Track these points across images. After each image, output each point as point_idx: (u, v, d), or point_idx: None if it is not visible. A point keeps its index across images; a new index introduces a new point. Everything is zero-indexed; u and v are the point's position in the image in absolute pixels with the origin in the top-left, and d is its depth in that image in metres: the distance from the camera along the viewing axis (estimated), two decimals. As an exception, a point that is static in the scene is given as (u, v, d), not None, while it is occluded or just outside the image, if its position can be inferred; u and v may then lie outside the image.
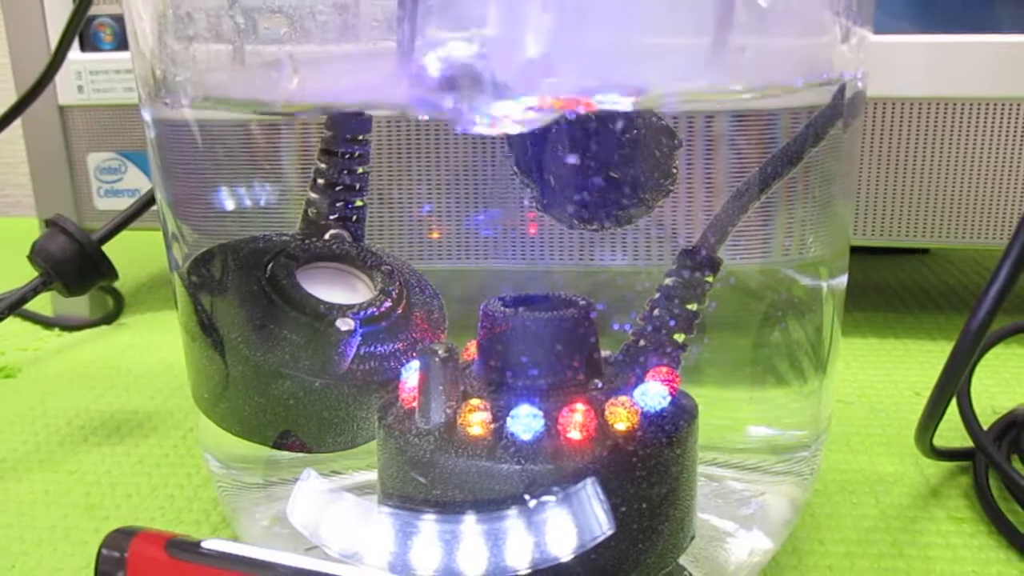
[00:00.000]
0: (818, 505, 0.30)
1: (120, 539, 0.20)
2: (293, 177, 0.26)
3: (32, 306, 0.49)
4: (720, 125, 0.25)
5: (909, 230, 0.46)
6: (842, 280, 0.26)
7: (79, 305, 0.50)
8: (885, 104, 0.43)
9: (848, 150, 0.25)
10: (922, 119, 0.44)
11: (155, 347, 0.46)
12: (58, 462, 0.34)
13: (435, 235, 0.32)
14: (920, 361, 0.43)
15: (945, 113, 0.43)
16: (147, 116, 0.22)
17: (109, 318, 0.50)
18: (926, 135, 0.44)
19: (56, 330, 0.49)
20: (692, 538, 0.24)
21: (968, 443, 0.31)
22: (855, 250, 0.55)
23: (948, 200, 0.45)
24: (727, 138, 0.26)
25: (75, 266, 0.32)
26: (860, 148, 0.44)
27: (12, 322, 0.50)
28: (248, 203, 0.25)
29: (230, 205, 0.24)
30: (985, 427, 0.33)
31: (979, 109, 0.43)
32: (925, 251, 0.61)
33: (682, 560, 0.24)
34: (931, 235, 0.46)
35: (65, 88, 0.47)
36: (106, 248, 0.34)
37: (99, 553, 0.19)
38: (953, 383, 0.22)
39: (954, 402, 0.32)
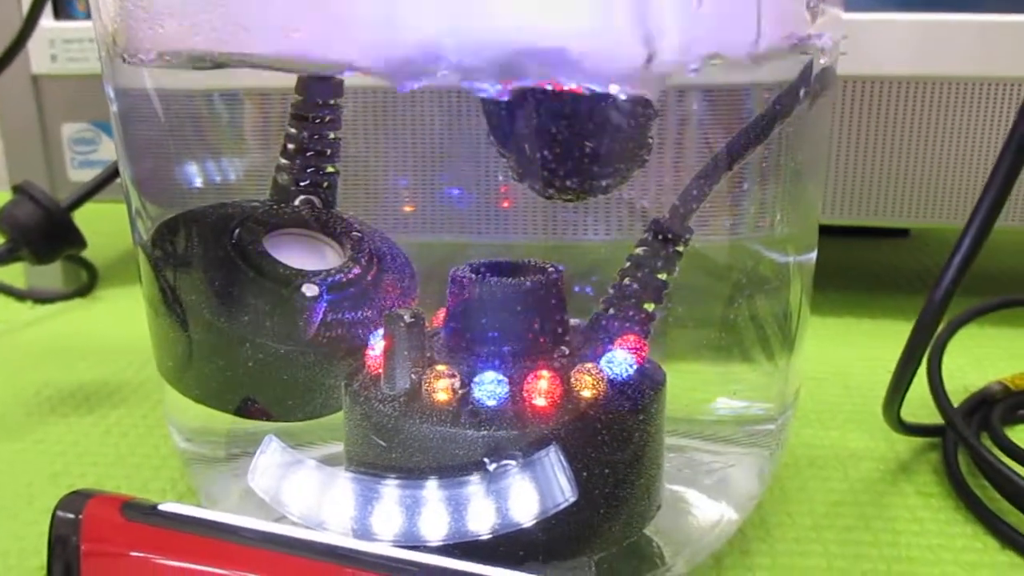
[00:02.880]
0: (787, 479, 0.30)
1: (76, 501, 0.19)
2: (256, 151, 0.25)
3: (5, 279, 0.49)
4: (690, 98, 0.25)
5: (889, 210, 0.46)
6: (811, 256, 0.26)
7: (52, 277, 0.49)
8: (866, 83, 0.43)
9: (816, 127, 0.25)
10: (904, 98, 0.44)
11: (128, 319, 0.46)
12: (24, 432, 0.33)
13: (409, 208, 0.31)
14: (896, 341, 0.42)
15: (927, 92, 0.43)
16: (109, 90, 0.22)
17: (83, 290, 0.49)
18: (907, 114, 0.44)
19: (29, 302, 0.49)
20: (658, 508, 0.24)
21: (940, 420, 0.31)
22: (834, 230, 0.56)
23: (929, 180, 0.45)
24: (697, 111, 0.25)
25: (42, 233, 0.32)
26: (831, 125, 0.44)
27: (-16, 294, 0.49)
28: (209, 178, 0.24)
29: (192, 180, 0.24)
30: (957, 404, 0.33)
31: (961, 88, 0.43)
32: (905, 232, 0.61)
33: (648, 531, 0.25)
34: (911, 215, 0.46)
35: (38, 57, 0.46)
36: (81, 222, 0.33)
37: (54, 515, 0.19)
38: (917, 354, 0.22)
39: (926, 379, 0.32)
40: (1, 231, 0.33)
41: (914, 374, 0.24)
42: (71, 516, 0.19)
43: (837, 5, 0.24)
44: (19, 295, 0.49)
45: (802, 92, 0.24)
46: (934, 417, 0.31)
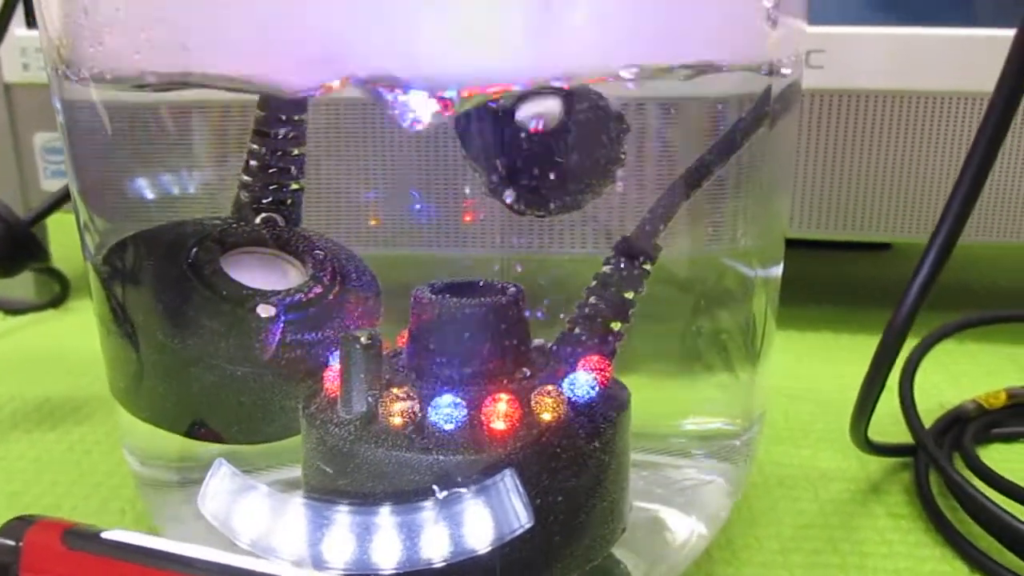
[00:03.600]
0: (756, 499, 0.30)
1: (17, 527, 0.19)
2: (206, 166, 0.25)
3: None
4: (652, 113, 0.25)
5: (868, 224, 0.46)
6: (776, 271, 0.26)
7: (25, 288, 0.49)
8: (843, 97, 0.43)
9: (780, 142, 0.25)
10: (882, 112, 0.43)
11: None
12: (-14, 448, 0.33)
13: (374, 222, 0.31)
14: (873, 356, 0.43)
15: (906, 106, 0.43)
16: (56, 101, 0.22)
17: (55, 301, 0.49)
18: (887, 128, 0.44)
19: (1, 313, 0.48)
20: (623, 530, 0.23)
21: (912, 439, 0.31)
22: (814, 244, 0.56)
23: (909, 195, 0.45)
24: (659, 127, 0.25)
25: (3, 247, 0.32)
26: (801, 140, 0.44)
27: (-45, 305, 0.48)
28: (157, 192, 0.24)
29: (138, 194, 0.24)
30: (931, 422, 0.33)
31: (940, 103, 0.43)
32: (887, 246, 0.61)
33: (616, 551, 0.24)
34: (890, 230, 0.46)
35: (10, 66, 0.46)
36: (54, 232, 0.33)
37: (-6, 542, 0.19)
38: (881, 376, 0.22)
39: (898, 398, 0.32)
40: (-37, 244, 0.33)
41: (879, 395, 0.24)
42: (11, 543, 0.19)
43: (800, 17, 0.24)
44: (-10, 306, 0.49)
45: (762, 118, 0.23)
46: (908, 436, 0.31)
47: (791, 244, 0.26)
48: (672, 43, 0.20)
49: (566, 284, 0.27)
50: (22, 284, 0.48)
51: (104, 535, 0.19)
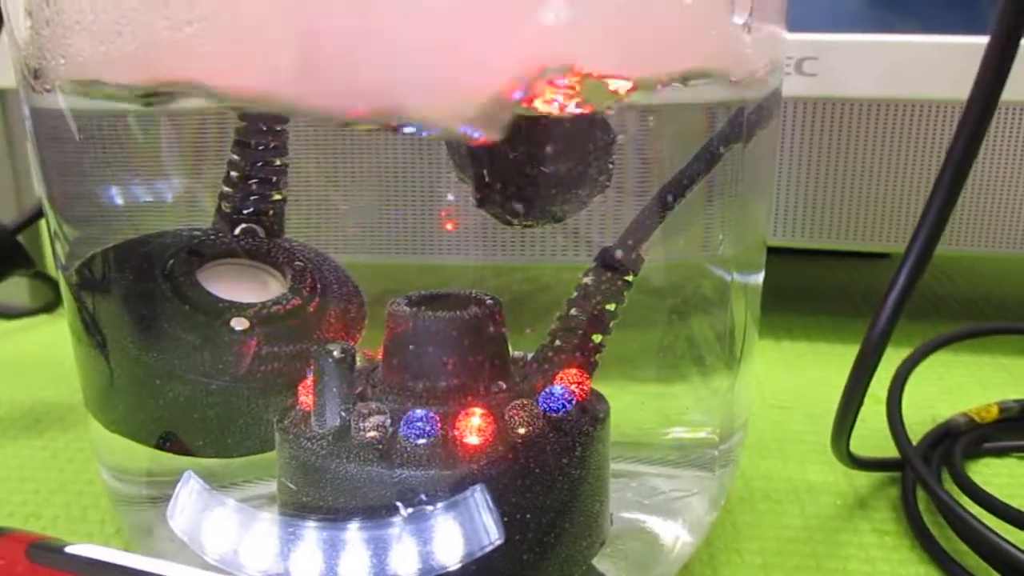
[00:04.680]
0: (740, 513, 0.29)
1: (-18, 542, 0.19)
2: (177, 175, 0.25)
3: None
4: (632, 122, 0.25)
5: (863, 233, 0.45)
6: (756, 278, 0.26)
7: (19, 293, 0.49)
8: (837, 104, 0.43)
9: (762, 150, 0.24)
10: (876, 120, 0.43)
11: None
12: (-29, 455, 0.33)
13: (361, 231, 0.31)
14: (867, 367, 0.42)
15: (900, 114, 0.43)
16: (25, 108, 0.22)
17: (49, 307, 0.49)
18: (880, 136, 0.43)
19: (-5, 318, 0.48)
20: (602, 543, 0.23)
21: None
22: (809, 253, 0.55)
23: (905, 203, 0.45)
24: (639, 136, 0.25)
25: (-12, 254, 0.32)
26: (791, 146, 0.44)
27: (-50, 310, 0.48)
28: (126, 201, 0.24)
29: (107, 202, 0.23)
30: (922, 436, 0.33)
31: (935, 111, 0.42)
32: (885, 255, 0.60)
33: (598, 563, 0.24)
34: (887, 239, 0.46)
35: (5, 71, 0.46)
36: (47, 238, 0.33)
37: (-40, 556, 0.19)
38: (860, 389, 0.22)
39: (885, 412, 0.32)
40: (-51, 252, 0.33)
41: (858, 409, 0.24)
42: (-24, 558, 0.19)
43: (779, 24, 0.24)
44: (-15, 311, 0.49)
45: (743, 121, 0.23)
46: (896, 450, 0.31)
47: (785, 252, 0.26)
48: (645, 54, 0.19)
49: (546, 295, 0.27)
50: (16, 289, 0.48)
51: (68, 549, 0.19)
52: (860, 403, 0.23)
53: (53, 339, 0.45)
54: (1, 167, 0.48)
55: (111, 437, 0.24)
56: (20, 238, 0.35)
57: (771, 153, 0.27)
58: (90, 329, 0.23)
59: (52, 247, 0.24)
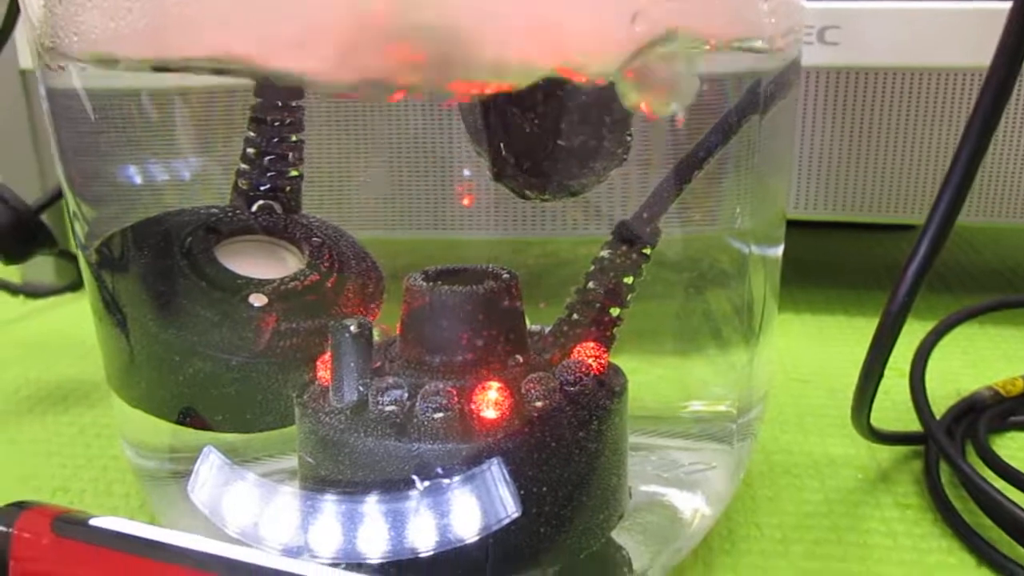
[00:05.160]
0: (760, 487, 0.29)
1: (9, 514, 0.19)
2: (192, 153, 0.25)
3: (1, 273, 0.49)
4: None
5: (887, 205, 0.45)
6: (775, 251, 0.26)
7: (45, 272, 0.49)
8: (860, 73, 0.42)
9: (780, 121, 0.24)
10: (900, 89, 0.42)
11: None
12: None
13: (379, 205, 0.31)
14: (890, 341, 0.42)
15: (924, 83, 0.42)
16: (42, 88, 0.22)
17: (74, 285, 0.49)
18: (904, 106, 0.42)
19: (22, 297, 0.49)
20: (621, 517, 0.23)
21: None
22: (832, 225, 0.54)
23: (929, 175, 0.44)
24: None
25: (11, 234, 0.32)
26: (814, 117, 0.43)
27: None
28: (143, 180, 0.24)
29: (125, 182, 0.24)
30: (946, 409, 0.32)
31: (959, 79, 0.41)
32: (909, 226, 0.60)
33: (617, 537, 0.24)
34: (910, 210, 0.45)
35: (27, 51, 0.46)
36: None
37: (-13, 529, 0.19)
38: (879, 361, 0.22)
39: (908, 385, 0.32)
40: (-27, 232, 0.33)
41: (878, 381, 0.24)
42: (2, 530, 0.19)
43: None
44: (13, 290, 0.49)
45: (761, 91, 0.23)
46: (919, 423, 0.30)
47: (807, 225, 0.26)
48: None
49: (564, 269, 0.27)
50: (42, 268, 0.48)
51: (92, 522, 0.19)
52: (880, 376, 0.23)
53: (79, 317, 0.46)
54: (24, 147, 0.48)
55: (133, 413, 0.24)
56: (44, 217, 0.36)
57: (789, 124, 0.27)
58: (110, 307, 0.24)
59: (71, 227, 0.24)
